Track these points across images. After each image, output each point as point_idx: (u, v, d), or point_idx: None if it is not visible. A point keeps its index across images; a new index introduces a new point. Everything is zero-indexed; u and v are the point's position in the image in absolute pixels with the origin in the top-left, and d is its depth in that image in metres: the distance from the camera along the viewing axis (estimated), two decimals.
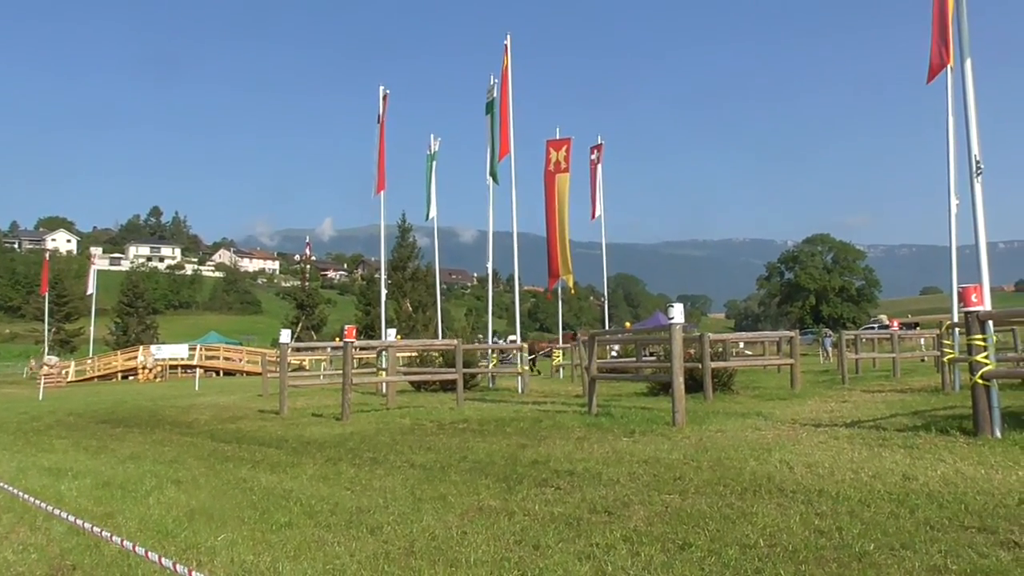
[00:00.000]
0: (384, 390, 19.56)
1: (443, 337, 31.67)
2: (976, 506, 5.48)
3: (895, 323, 25.89)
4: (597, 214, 34.35)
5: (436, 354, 23.33)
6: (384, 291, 27.83)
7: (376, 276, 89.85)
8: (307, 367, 41.31)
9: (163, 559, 3.85)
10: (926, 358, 29.44)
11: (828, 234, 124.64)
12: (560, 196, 25.20)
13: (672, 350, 10.98)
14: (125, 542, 4.36)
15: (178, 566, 3.06)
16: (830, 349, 40.11)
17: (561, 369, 31.19)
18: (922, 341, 37.03)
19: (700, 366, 15.49)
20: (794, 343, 18.68)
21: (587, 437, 9.87)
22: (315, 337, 67.77)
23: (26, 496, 4.81)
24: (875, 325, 66.01)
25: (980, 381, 8.62)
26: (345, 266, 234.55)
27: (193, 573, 2.63)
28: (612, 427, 10.71)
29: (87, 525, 5.03)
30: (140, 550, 4.15)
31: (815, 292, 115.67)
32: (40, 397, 29.02)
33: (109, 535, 4.67)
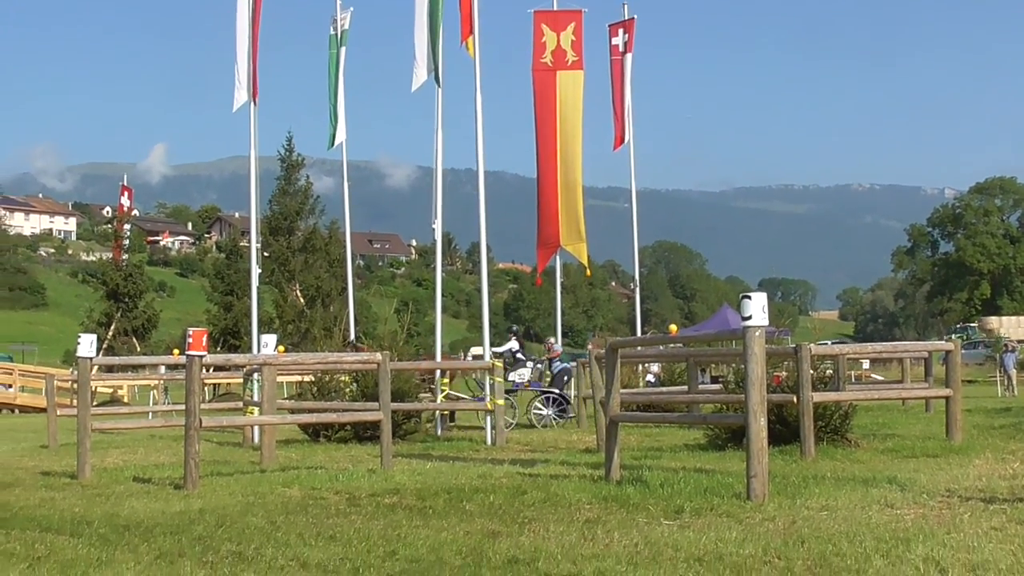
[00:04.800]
0: (257, 438, 19.56)
1: (358, 348, 31.68)
2: None
3: None
4: (624, 141, 34.35)
5: (347, 379, 23.35)
6: (256, 270, 27.59)
7: (243, 245, 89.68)
8: (126, 398, 41.40)
9: None
10: None
11: (1013, 178, 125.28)
12: (564, 110, 25.24)
13: (748, 372, 11.02)
14: None
15: None
16: (1014, 372, 40.39)
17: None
18: None
19: (796, 399, 15.57)
20: (953, 361, 18.83)
21: (602, 519, 9.92)
22: (139, 348, 67.60)
23: None
24: None
25: None
26: (190, 226, 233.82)
27: None
28: (644, 502, 10.77)
29: None
30: None
31: (991, 275, 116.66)
32: None
33: None
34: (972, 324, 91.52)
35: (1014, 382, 39.59)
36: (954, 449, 15.76)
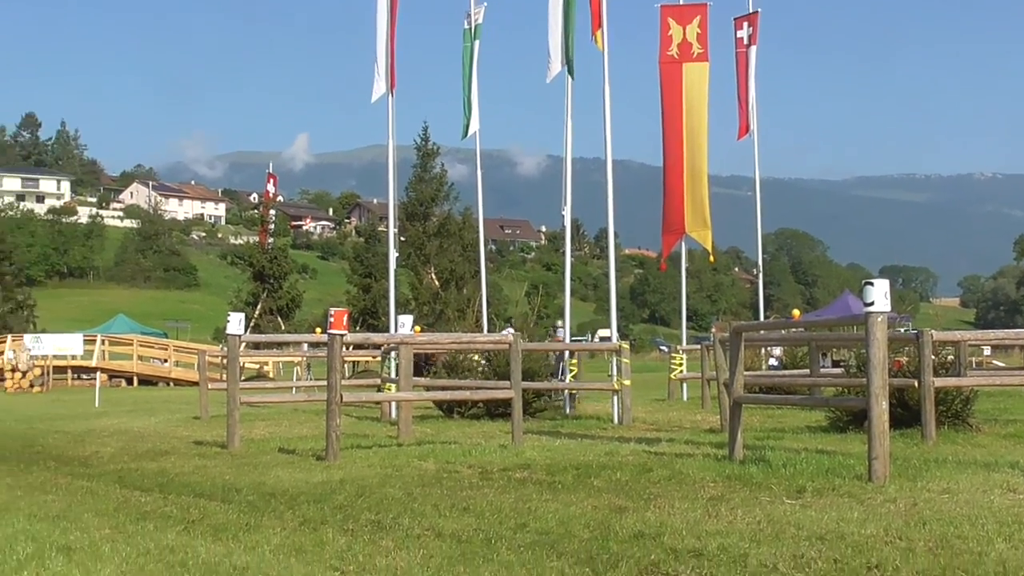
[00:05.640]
0: (394, 414, 19.76)
1: (490, 329, 31.81)
2: None
3: None
4: (749, 131, 33.98)
5: (479, 358, 23.47)
6: (394, 254, 27.82)
7: (380, 230, 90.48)
8: (271, 374, 42.12)
9: None
10: None
11: None
12: (690, 101, 25.00)
13: (870, 357, 10.87)
14: None
15: None
16: None
17: (684, 385, 31.11)
18: None
19: (917, 384, 15.33)
20: None
21: (725, 497, 9.86)
22: (284, 327, 68.57)
23: None
24: None
25: None
26: (330, 212, 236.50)
27: None
28: (767, 481, 10.69)
29: None
30: None
31: None
32: None
33: None
34: None
35: None
36: None
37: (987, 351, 45.26)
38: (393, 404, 20.33)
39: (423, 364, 25.59)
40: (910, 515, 8.61)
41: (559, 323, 29.71)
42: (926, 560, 6.96)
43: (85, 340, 56.43)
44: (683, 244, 28.63)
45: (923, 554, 7.14)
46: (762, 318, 37.80)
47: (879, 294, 10.92)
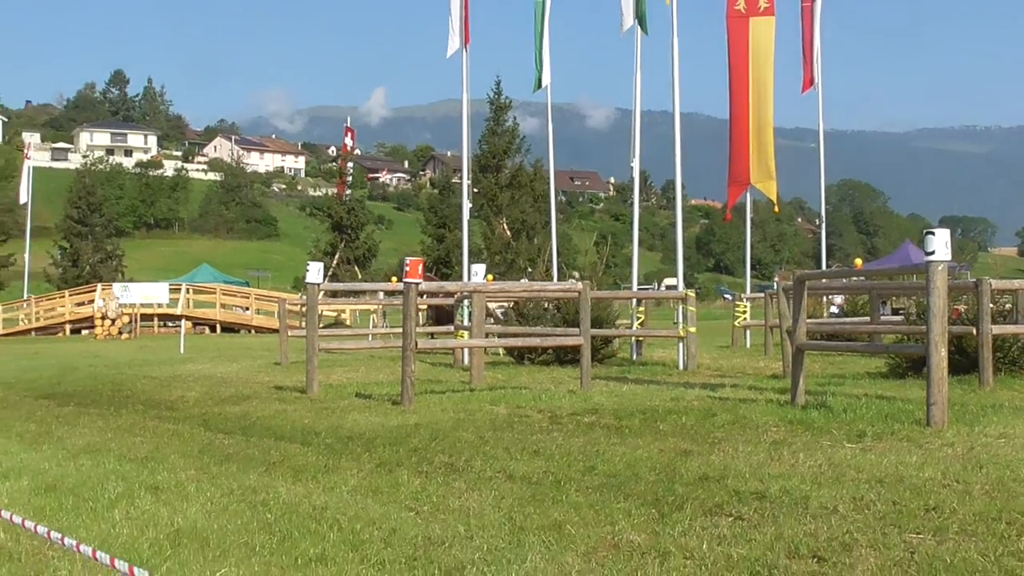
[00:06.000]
0: (467, 360, 19.85)
1: (560, 278, 31.82)
2: None
3: None
4: (813, 84, 33.65)
5: (549, 306, 23.50)
6: (467, 205, 27.89)
7: (454, 182, 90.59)
8: (348, 321, 42.43)
9: None
10: None
11: None
12: (757, 55, 24.69)
13: (930, 305, 10.78)
14: None
15: None
16: None
17: (748, 333, 31.00)
18: None
19: (975, 331, 15.15)
20: None
21: (787, 441, 9.84)
22: (361, 275, 68.98)
23: None
24: None
25: None
26: (406, 164, 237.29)
27: None
28: (828, 426, 10.64)
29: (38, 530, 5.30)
30: None
31: None
32: None
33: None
34: None
35: None
36: None
37: None
38: (466, 351, 20.40)
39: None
40: (967, 459, 8.55)
41: (671, 280, 29.37)
42: (983, 503, 6.92)
43: (170, 289, 57.26)
44: (748, 195, 28.51)
45: (980, 497, 7.10)
46: (824, 267, 37.57)
47: (940, 243, 10.81)
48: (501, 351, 22.81)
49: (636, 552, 6.03)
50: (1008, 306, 19.95)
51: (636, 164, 24.15)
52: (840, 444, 9.58)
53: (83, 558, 5.90)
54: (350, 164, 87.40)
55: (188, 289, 59.19)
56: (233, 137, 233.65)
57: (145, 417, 13.82)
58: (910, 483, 7.63)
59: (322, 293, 23.38)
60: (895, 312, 29.57)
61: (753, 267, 39.51)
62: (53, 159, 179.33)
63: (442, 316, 26.43)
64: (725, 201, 28.24)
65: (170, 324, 54.16)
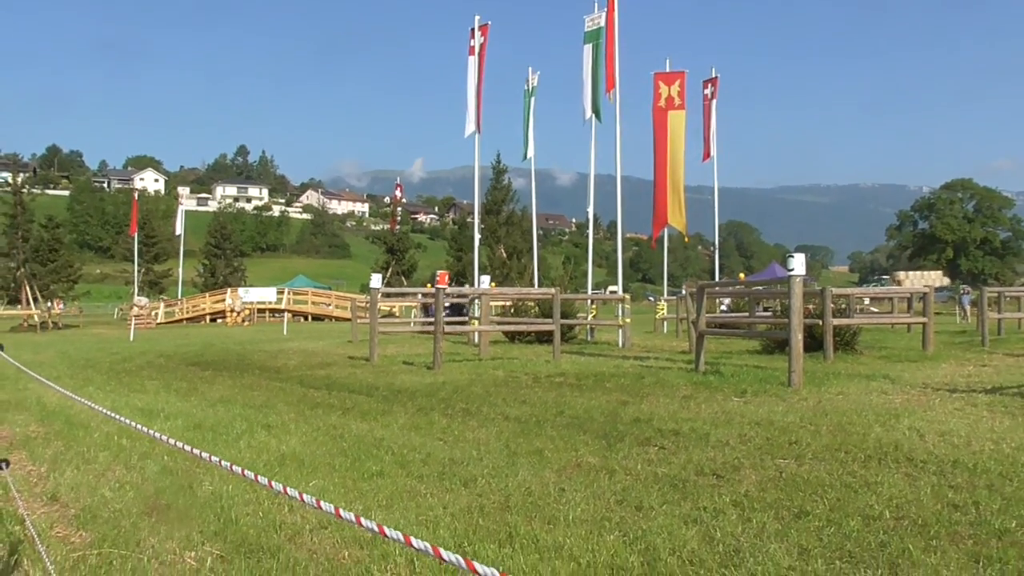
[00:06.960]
0: (477, 340, 19.83)
1: (539, 286, 31.79)
2: None
3: None
4: (710, 155, 33.71)
5: (532, 304, 23.47)
6: (477, 236, 27.96)
7: (469, 220, 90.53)
8: (397, 313, 42.18)
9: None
10: None
11: (970, 179, 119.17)
12: (673, 136, 24.79)
13: (791, 304, 10.79)
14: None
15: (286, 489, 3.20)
16: (968, 307, 38.58)
17: (665, 323, 30.98)
18: None
19: (821, 323, 15.14)
20: (927, 300, 18.00)
21: (693, 396, 9.81)
22: (405, 283, 68.93)
23: (132, 424, 5.09)
24: None
25: None
26: (436, 209, 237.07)
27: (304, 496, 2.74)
28: (721, 386, 10.61)
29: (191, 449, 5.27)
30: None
31: (953, 244, 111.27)
32: (131, 338, 30.53)
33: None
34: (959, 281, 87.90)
35: (968, 314, 37.84)
36: (927, 357, 15.13)
37: (867, 301, 44.68)
38: (476, 334, 20.39)
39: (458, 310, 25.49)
40: (817, 409, 8.53)
41: (613, 287, 29.40)
42: (828, 438, 6.90)
43: (277, 291, 57.51)
44: (666, 231, 28.53)
45: (826, 434, 7.07)
46: (717, 279, 37.54)
47: (798, 263, 10.94)
48: (501, 334, 22.78)
49: (592, 470, 6.00)
50: (843, 306, 20.00)
51: (591, 210, 24.19)
52: (729, 398, 9.56)
53: (219, 471, 5.86)
54: (399, 209, 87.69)
55: (288, 292, 59.33)
56: (320, 190, 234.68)
57: (260, 378, 13.79)
58: (778, 425, 7.60)
59: (380, 294, 23.36)
60: (765, 310, 29.55)
61: (668, 279, 39.51)
62: (198, 205, 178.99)
63: (460, 310, 26.31)
64: (651, 234, 28.23)
65: (277, 315, 54.08)
